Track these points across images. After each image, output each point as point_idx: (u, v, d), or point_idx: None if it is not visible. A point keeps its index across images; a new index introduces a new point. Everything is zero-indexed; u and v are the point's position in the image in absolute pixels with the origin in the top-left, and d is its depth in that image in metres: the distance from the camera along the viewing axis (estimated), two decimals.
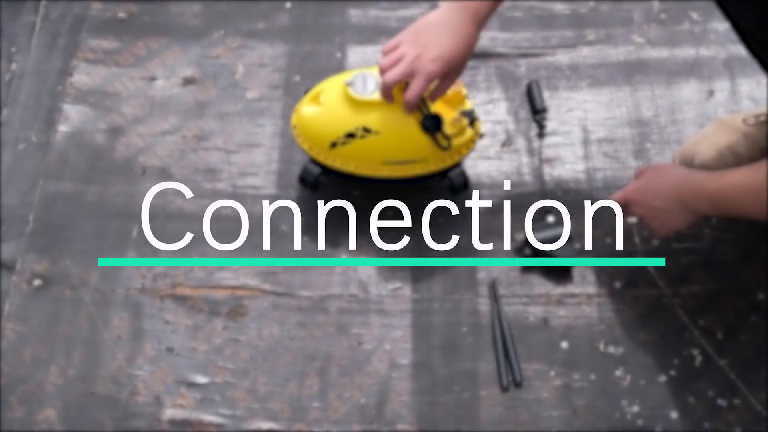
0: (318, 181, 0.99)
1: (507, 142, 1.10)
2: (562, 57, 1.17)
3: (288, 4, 1.25)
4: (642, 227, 1.00)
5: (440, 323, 0.98)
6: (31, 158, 1.13)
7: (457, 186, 1.00)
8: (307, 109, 0.97)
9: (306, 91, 1.01)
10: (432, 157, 0.95)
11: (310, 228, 1.05)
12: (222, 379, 0.96)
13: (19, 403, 0.95)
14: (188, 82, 1.18)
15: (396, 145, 0.93)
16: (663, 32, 1.18)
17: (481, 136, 0.99)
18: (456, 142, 0.95)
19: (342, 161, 0.96)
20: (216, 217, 1.07)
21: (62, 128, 1.15)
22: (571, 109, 1.12)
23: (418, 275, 1.01)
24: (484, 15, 0.86)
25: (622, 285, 0.99)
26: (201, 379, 0.96)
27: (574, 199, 1.05)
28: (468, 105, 0.96)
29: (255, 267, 1.03)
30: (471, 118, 0.95)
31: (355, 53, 1.19)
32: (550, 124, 1.11)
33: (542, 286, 0.99)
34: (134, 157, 1.12)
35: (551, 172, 1.08)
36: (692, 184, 0.82)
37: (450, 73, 0.87)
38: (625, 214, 0.93)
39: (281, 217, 1.07)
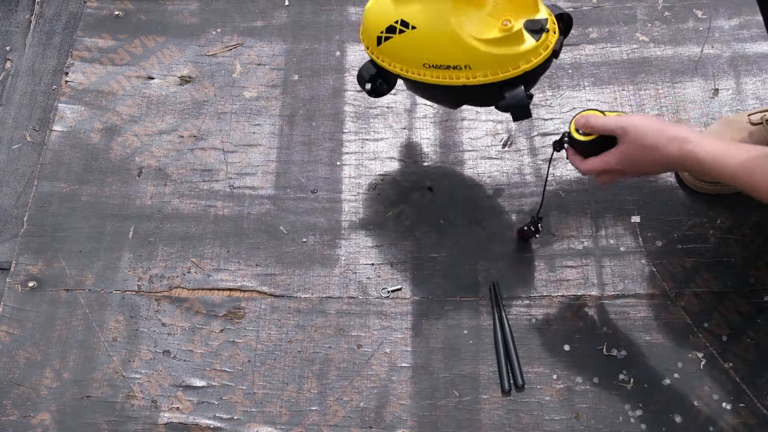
0: (373, 80, 0.91)
1: (508, 142, 1.09)
2: (565, 55, 1.16)
3: (286, 2, 1.23)
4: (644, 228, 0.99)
5: (441, 325, 0.97)
6: (26, 158, 1.12)
7: (514, 106, 0.83)
8: (369, 3, 0.90)
9: None
10: (479, 65, 0.82)
11: (309, 229, 1.04)
12: (219, 383, 0.94)
13: (13, 406, 0.94)
14: (185, 81, 1.17)
15: (435, 45, 0.83)
16: (667, 30, 1.16)
17: (555, 54, 0.83)
18: (512, 50, 0.81)
19: (388, 60, 0.89)
20: (213, 217, 1.06)
21: (57, 128, 1.13)
22: (574, 108, 1.11)
23: (418, 277, 1.00)
24: None
25: (625, 287, 0.97)
26: (198, 383, 0.95)
27: (576, 200, 1.04)
28: (541, 12, 0.82)
29: (253, 268, 1.02)
30: (539, 28, 0.81)
31: (354, 51, 1.18)
32: (553, 123, 1.10)
33: (544, 287, 0.98)
34: (130, 157, 1.11)
35: (553, 172, 1.06)
36: (690, 160, 0.74)
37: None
38: (602, 180, 0.84)
39: (279, 217, 1.05)
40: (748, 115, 0.96)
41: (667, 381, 0.91)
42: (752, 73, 1.11)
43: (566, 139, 0.86)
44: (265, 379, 0.95)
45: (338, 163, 1.09)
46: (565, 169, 1.07)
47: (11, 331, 0.99)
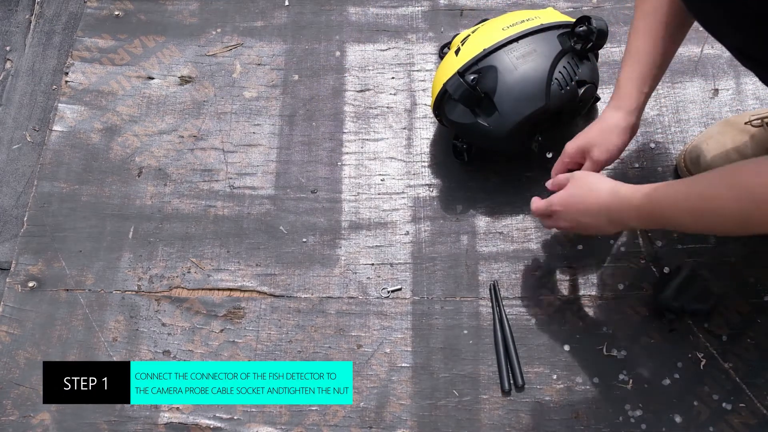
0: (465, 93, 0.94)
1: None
2: None
3: (286, 2, 1.23)
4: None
5: (441, 325, 0.97)
6: (26, 158, 1.12)
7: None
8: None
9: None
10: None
11: (309, 229, 1.04)
12: None
13: (13, 406, 0.94)
14: (185, 81, 1.17)
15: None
16: None
17: None
18: None
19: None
20: (213, 217, 1.06)
21: (57, 128, 1.13)
22: None
23: (418, 277, 1.00)
24: (636, 106, 0.87)
25: (625, 287, 0.97)
26: None
27: None
28: None
29: (253, 268, 1.02)
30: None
31: (354, 52, 1.18)
32: None
33: (544, 287, 0.98)
34: (130, 157, 1.11)
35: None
36: (620, 199, 0.78)
37: (590, 152, 0.89)
38: (548, 223, 0.88)
39: (279, 217, 1.05)
40: (748, 118, 0.96)
41: (667, 381, 0.91)
42: (752, 74, 1.11)
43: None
44: None
45: (338, 163, 1.09)
46: None
47: (11, 331, 0.99)
